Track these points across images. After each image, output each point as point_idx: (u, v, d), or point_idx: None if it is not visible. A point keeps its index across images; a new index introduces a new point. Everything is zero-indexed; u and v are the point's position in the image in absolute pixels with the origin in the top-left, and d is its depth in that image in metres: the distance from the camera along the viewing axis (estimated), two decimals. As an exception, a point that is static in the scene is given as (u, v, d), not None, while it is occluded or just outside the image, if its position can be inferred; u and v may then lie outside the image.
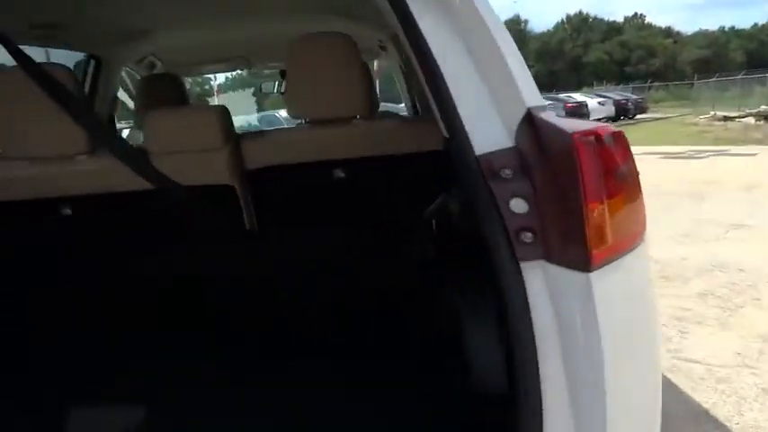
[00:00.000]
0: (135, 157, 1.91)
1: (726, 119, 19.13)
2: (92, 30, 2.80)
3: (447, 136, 1.25)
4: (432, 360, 1.81)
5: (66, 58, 3.10)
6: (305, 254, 2.19)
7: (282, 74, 4.16)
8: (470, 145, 1.09)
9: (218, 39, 3.32)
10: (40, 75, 1.74)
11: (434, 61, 1.13)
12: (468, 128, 1.10)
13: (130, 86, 3.79)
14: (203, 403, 1.85)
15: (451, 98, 1.12)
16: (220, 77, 19.86)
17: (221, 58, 3.97)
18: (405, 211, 2.12)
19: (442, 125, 1.30)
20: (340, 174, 2.07)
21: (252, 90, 15.58)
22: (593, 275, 1.01)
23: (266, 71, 4.96)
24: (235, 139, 2.01)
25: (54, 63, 1.94)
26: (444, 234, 1.88)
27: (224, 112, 1.98)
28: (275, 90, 5.19)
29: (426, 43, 1.14)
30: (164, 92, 2.94)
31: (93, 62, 3.26)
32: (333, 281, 2.17)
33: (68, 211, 2.01)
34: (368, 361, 1.91)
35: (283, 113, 13.22)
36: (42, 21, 2.33)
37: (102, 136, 1.92)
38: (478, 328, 1.42)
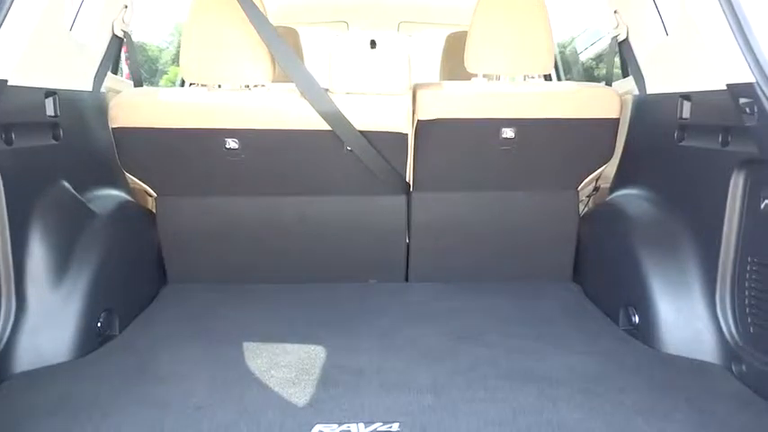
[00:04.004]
0: (316, 92, 2.02)
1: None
2: None
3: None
4: None
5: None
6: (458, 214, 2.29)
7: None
8: None
9: None
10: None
11: None
12: None
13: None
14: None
15: None
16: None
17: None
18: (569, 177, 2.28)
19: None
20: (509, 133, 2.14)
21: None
22: None
23: None
24: (412, 87, 2.11)
25: None
26: None
27: (407, 57, 2.05)
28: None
29: None
30: None
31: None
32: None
33: (234, 145, 2.07)
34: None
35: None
36: None
37: (289, 65, 1.99)
38: None
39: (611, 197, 2.35)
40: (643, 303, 1.90)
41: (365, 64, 2.06)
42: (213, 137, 2.08)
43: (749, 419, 1.45)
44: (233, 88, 2.11)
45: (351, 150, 2.14)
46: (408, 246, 2.38)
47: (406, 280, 2.42)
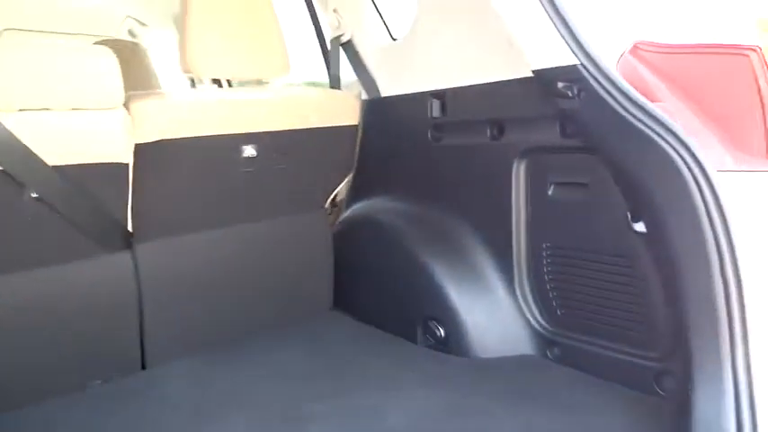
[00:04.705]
0: None
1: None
2: None
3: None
4: None
5: None
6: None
7: None
8: None
9: None
10: None
11: None
12: None
13: None
14: None
15: None
16: None
17: None
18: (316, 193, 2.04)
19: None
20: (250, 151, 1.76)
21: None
22: None
23: None
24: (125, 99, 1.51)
25: None
26: None
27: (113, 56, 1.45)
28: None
29: None
30: None
31: None
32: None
33: None
34: None
35: None
36: None
37: None
38: None
39: (355, 211, 2.17)
40: (444, 314, 1.78)
41: (50, 66, 1.36)
42: None
43: (583, 397, 1.48)
44: None
45: (38, 198, 1.40)
46: (141, 318, 1.72)
47: (144, 367, 1.75)
